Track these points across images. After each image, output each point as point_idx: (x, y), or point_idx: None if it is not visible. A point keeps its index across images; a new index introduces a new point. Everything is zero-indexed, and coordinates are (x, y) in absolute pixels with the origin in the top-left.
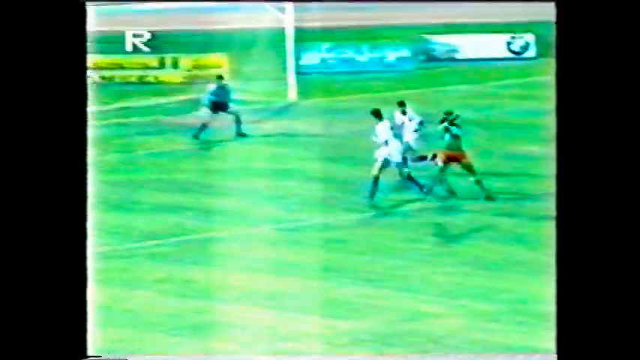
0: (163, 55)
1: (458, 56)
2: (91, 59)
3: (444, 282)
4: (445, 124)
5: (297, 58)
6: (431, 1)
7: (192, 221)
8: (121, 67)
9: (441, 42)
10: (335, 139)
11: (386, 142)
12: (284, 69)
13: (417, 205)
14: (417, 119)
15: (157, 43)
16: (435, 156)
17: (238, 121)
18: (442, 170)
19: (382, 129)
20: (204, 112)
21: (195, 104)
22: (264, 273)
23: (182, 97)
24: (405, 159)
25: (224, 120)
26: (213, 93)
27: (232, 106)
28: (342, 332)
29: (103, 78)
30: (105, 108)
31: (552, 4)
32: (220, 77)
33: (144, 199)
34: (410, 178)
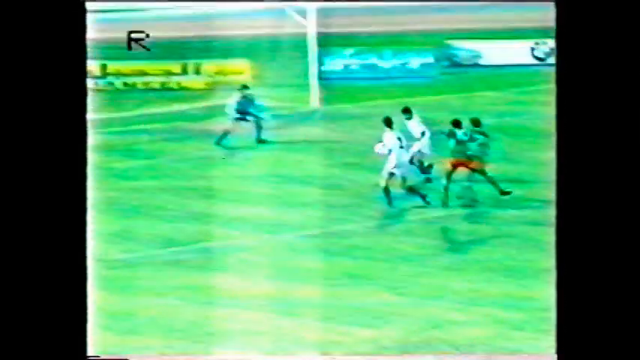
0: (186, 62)
1: (482, 62)
2: (112, 66)
3: (466, 289)
4: (449, 128)
5: (320, 64)
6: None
7: (214, 228)
8: (144, 74)
9: (465, 48)
10: (357, 146)
11: (390, 152)
12: (306, 75)
13: (438, 212)
14: (421, 129)
15: (179, 49)
16: (430, 166)
17: (259, 128)
18: (448, 177)
19: (389, 138)
20: (228, 120)
21: (217, 110)
22: (286, 280)
23: (204, 104)
24: (422, 167)
25: (247, 127)
26: (238, 102)
27: (255, 115)
28: (364, 340)
29: (126, 85)
30: (127, 114)
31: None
32: (245, 87)
33: (166, 205)
34: (411, 190)
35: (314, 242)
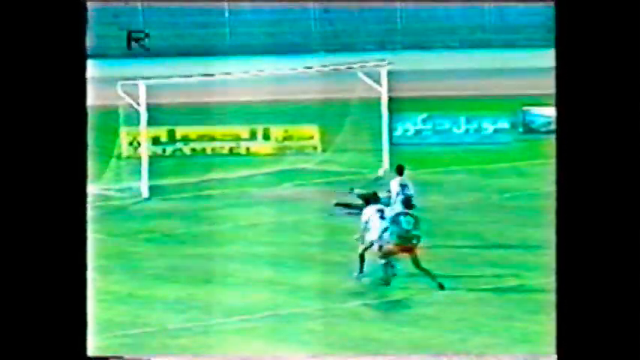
0: (254, 126)
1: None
2: (180, 131)
3: None
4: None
5: (392, 129)
6: None
7: (280, 296)
8: (212, 139)
9: (541, 114)
10: (429, 213)
11: (366, 223)
12: (377, 140)
13: (512, 282)
14: (395, 191)
15: (246, 113)
16: (380, 247)
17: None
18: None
19: (367, 212)
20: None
21: (285, 175)
22: (355, 350)
23: (272, 169)
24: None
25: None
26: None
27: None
28: None
29: (194, 150)
30: (194, 180)
31: None
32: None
33: (233, 272)
34: (385, 263)
35: (379, 311)
